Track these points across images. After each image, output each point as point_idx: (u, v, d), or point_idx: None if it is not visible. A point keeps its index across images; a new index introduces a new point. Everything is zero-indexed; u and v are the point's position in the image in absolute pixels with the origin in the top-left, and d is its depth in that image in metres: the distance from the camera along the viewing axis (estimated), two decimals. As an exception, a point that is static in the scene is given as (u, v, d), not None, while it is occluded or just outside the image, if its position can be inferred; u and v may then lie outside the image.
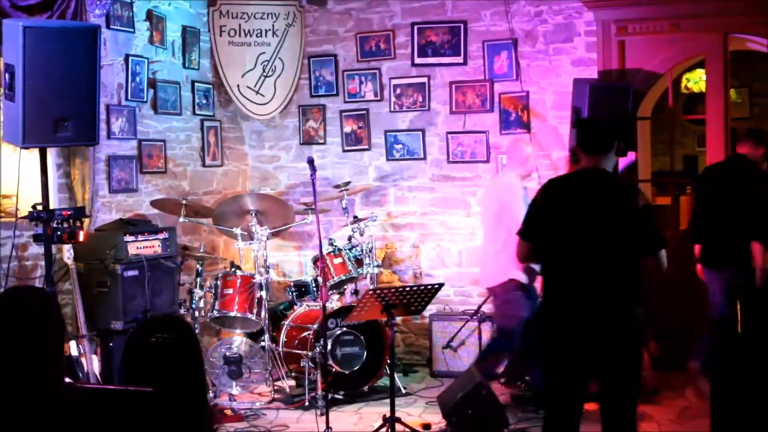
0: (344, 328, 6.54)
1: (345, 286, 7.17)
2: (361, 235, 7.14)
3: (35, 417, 2.62)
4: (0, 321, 2.72)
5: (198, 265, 6.73)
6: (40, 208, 5.08)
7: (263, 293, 6.73)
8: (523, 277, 6.01)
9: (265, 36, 8.09)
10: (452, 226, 7.91)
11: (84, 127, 5.04)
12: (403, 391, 6.80)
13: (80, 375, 5.54)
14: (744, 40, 7.43)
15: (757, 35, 7.13)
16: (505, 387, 6.53)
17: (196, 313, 6.59)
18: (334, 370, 6.43)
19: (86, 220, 5.90)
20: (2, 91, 5.04)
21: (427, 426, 5.86)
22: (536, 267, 5.69)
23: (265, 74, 8.11)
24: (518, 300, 6.04)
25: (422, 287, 5.33)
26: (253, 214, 6.98)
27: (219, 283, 6.73)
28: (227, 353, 6.62)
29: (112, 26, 6.71)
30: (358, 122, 8.14)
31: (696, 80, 10.83)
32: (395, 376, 5.83)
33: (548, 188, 4.41)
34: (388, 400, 5.35)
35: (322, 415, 5.84)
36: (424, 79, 7.90)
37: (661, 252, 4.22)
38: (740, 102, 11.12)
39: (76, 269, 5.76)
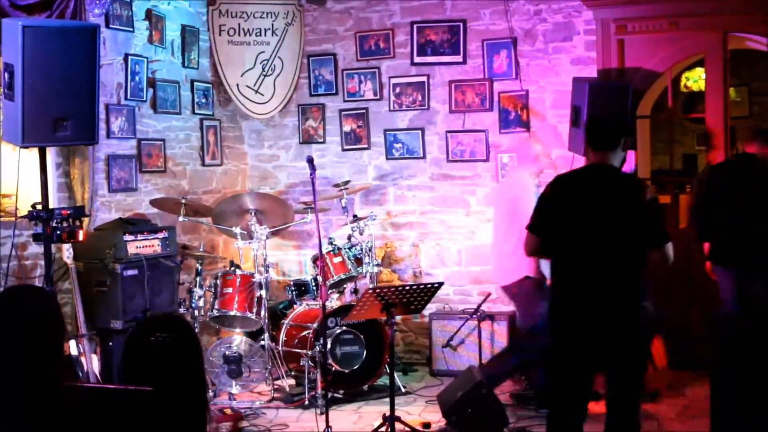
0: (344, 327, 6.54)
1: (344, 285, 7.17)
2: (361, 234, 7.15)
3: (35, 416, 2.62)
4: (0, 320, 2.72)
5: (197, 265, 6.73)
6: (39, 207, 5.09)
7: (263, 292, 6.73)
8: (538, 274, 6.02)
9: (265, 35, 8.09)
10: (452, 225, 7.91)
11: (83, 126, 5.05)
12: (403, 390, 6.81)
13: (80, 374, 5.53)
14: (743, 39, 7.43)
15: (757, 34, 7.13)
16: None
17: (196, 312, 6.59)
18: (333, 369, 6.43)
19: (86, 220, 5.90)
20: (2, 90, 5.03)
21: (426, 425, 5.86)
22: (544, 265, 5.74)
23: (264, 73, 8.10)
24: (535, 297, 6.04)
25: (422, 286, 5.33)
26: (253, 213, 6.98)
27: (218, 282, 6.73)
28: (227, 352, 6.63)
29: (111, 26, 6.70)
30: (357, 121, 8.14)
31: (695, 79, 10.83)
32: (395, 375, 5.83)
33: (557, 183, 4.47)
34: (387, 399, 5.35)
35: (321, 414, 5.84)
36: (424, 78, 7.90)
37: (668, 245, 4.27)
38: (740, 101, 11.12)
39: (76, 268, 5.75)
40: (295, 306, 7.07)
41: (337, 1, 8.13)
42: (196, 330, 6.35)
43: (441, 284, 5.43)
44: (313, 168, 5.73)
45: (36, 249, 5.85)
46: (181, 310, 6.48)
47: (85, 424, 2.65)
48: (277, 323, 7.02)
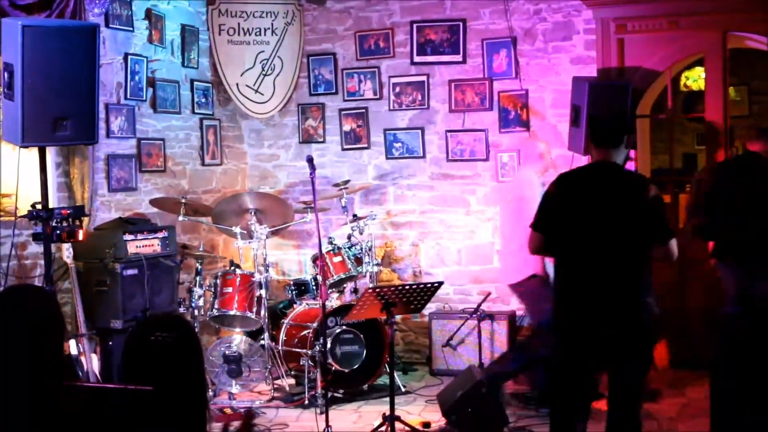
0: (344, 327, 6.53)
1: (344, 285, 7.17)
2: (361, 233, 7.14)
3: (35, 416, 2.62)
4: (0, 320, 2.72)
5: (197, 264, 6.73)
6: (39, 207, 5.09)
7: (263, 292, 6.73)
8: (544, 272, 6.02)
9: (264, 35, 8.08)
10: (451, 224, 7.91)
11: (83, 126, 5.05)
12: (403, 389, 6.81)
13: (80, 374, 5.53)
14: (743, 38, 7.43)
15: (757, 33, 7.12)
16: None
17: (196, 312, 6.59)
18: (333, 368, 6.43)
19: (85, 219, 5.90)
20: (1, 90, 5.03)
21: (426, 424, 5.86)
22: (549, 264, 5.74)
23: (264, 73, 8.10)
24: (542, 295, 6.03)
25: (422, 285, 5.33)
26: (253, 213, 6.98)
27: (218, 281, 6.73)
28: (227, 352, 6.62)
29: (111, 25, 6.70)
30: (357, 121, 8.13)
31: (695, 78, 10.82)
32: (395, 374, 5.83)
33: (560, 181, 4.49)
34: (387, 399, 5.35)
35: (321, 413, 5.83)
36: (424, 78, 7.90)
37: (672, 241, 4.27)
38: (739, 100, 11.12)
39: (76, 268, 5.75)
40: (294, 305, 7.07)
41: (337, 1, 8.13)
42: (196, 329, 6.34)
43: (441, 284, 5.44)
44: (312, 167, 5.74)
45: (36, 248, 5.85)
46: (181, 310, 6.48)
47: (85, 424, 2.65)
48: (277, 323, 7.02)
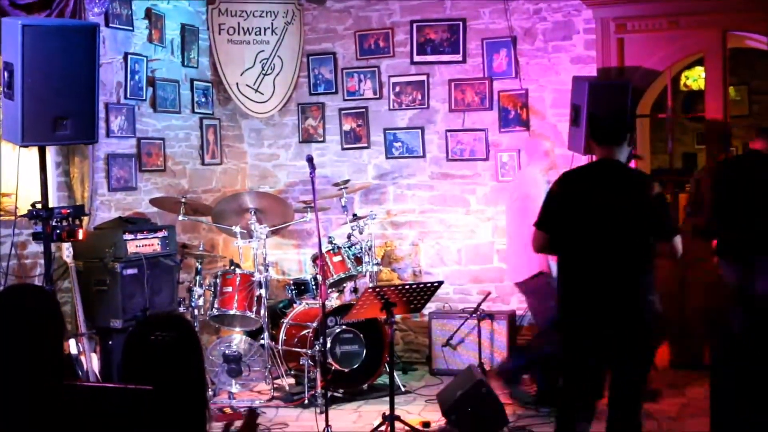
0: (343, 326, 6.53)
1: (344, 284, 7.17)
2: (361, 233, 7.14)
3: (35, 415, 2.62)
4: (0, 319, 2.72)
5: (197, 264, 6.73)
6: (39, 206, 5.09)
7: (262, 291, 6.73)
8: (549, 270, 6.01)
9: (264, 34, 8.08)
10: (451, 224, 7.91)
11: (83, 125, 5.05)
12: (403, 389, 6.81)
13: (79, 373, 5.53)
14: (743, 38, 7.43)
15: (756, 32, 7.13)
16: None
17: (196, 312, 6.59)
18: (333, 368, 6.43)
19: (85, 219, 5.90)
20: (1, 89, 5.03)
21: (426, 424, 5.86)
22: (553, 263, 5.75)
23: (264, 72, 8.10)
24: (549, 293, 6.02)
25: (421, 285, 5.33)
26: (253, 213, 6.98)
27: (218, 281, 6.73)
28: (226, 351, 6.62)
29: (110, 24, 6.70)
30: (357, 120, 8.13)
31: (695, 78, 10.83)
32: (394, 374, 5.82)
33: (563, 180, 4.50)
34: (387, 398, 5.34)
35: (321, 413, 5.83)
36: (423, 77, 7.90)
37: (676, 238, 4.28)
38: (739, 99, 11.12)
39: (76, 267, 5.75)
40: (294, 305, 7.07)
41: (337, 0, 8.13)
42: (196, 329, 6.34)
43: (441, 283, 5.44)
44: (312, 167, 5.74)
45: (36, 248, 5.84)
46: (181, 309, 6.48)
47: (84, 424, 2.65)
48: (277, 322, 7.02)
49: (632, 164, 6.94)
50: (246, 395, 6.73)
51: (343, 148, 8.19)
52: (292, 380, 6.96)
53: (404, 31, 7.94)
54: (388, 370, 5.61)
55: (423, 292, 5.30)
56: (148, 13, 7.16)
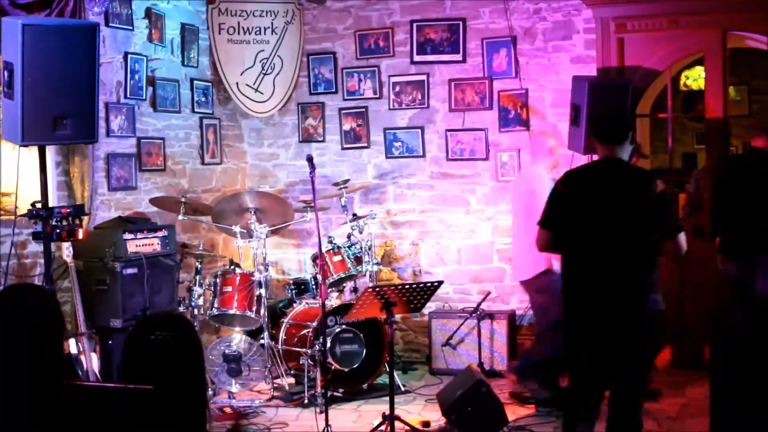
0: (343, 326, 6.53)
1: (344, 284, 7.17)
2: (361, 232, 7.14)
3: (35, 414, 2.62)
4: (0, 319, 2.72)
5: (197, 263, 6.73)
6: (39, 205, 5.09)
7: (262, 291, 6.73)
8: (557, 267, 6.00)
9: (264, 34, 8.08)
10: (451, 223, 7.91)
11: (83, 124, 5.05)
12: (403, 388, 6.80)
13: (79, 373, 5.53)
14: (743, 38, 7.43)
15: (756, 32, 7.13)
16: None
17: (195, 311, 6.59)
18: (333, 367, 6.43)
19: (85, 218, 5.90)
20: (1, 89, 5.03)
21: (426, 423, 5.86)
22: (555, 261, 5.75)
23: (264, 72, 8.10)
24: (556, 291, 6.02)
25: (421, 285, 5.33)
26: (253, 212, 6.98)
27: (218, 280, 6.73)
28: (226, 351, 6.62)
29: (110, 24, 6.70)
30: (357, 120, 8.13)
31: (695, 77, 10.83)
32: (394, 373, 5.82)
33: (567, 178, 4.53)
34: (387, 398, 5.35)
35: (321, 412, 5.83)
36: (423, 77, 7.90)
37: (680, 235, 4.29)
38: (739, 99, 11.12)
39: (76, 267, 5.75)
40: (294, 305, 7.07)
41: (337, 0, 8.12)
42: (196, 329, 6.34)
43: (440, 283, 5.44)
44: (312, 166, 5.74)
45: (36, 247, 5.84)
46: (181, 309, 6.48)
47: (84, 423, 2.65)
48: (277, 322, 7.02)
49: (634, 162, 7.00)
50: (246, 395, 6.73)
51: (343, 148, 8.19)
52: (291, 380, 6.96)
53: (404, 30, 7.94)
54: (388, 369, 5.61)
55: (423, 291, 5.30)
56: (148, 13, 7.16)
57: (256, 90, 8.09)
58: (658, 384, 6.38)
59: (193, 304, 6.58)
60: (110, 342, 6.01)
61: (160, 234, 6.44)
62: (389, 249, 8.04)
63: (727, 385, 4.84)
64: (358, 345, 6.58)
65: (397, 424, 5.30)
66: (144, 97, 7.11)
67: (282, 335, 6.81)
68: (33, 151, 5.32)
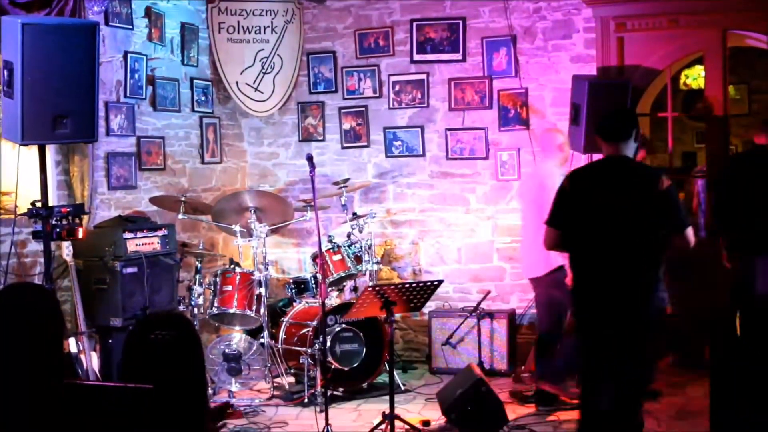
0: (343, 325, 6.53)
1: (344, 283, 7.17)
2: (360, 231, 7.14)
3: (35, 413, 2.62)
4: (0, 318, 2.72)
5: (197, 262, 6.73)
6: (39, 205, 5.09)
7: (262, 290, 6.73)
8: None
9: (264, 33, 8.08)
10: (451, 222, 7.91)
11: (83, 124, 5.05)
12: (402, 387, 6.80)
13: (79, 372, 5.53)
14: (743, 37, 7.43)
15: (756, 32, 7.13)
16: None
17: (195, 310, 6.60)
18: (333, 366, 6.43)
19: (85, 217, 5.90)
20: (1, 88, 5.03)
21: (426, 422, 5.87)
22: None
23: (263, 71, 8.10)
24: (565, 289, 6.00)
25: (421, 284, 5.33)
26: (252, 211, 6.98)
27: (218, 280, 6.73)
28: (226, 350, 6.63)
29: (110, 23, 6.70)
30: (357, 119, 8.13)
31: (695, 77, 10.83)
32: (394, 372, 5.82)
33: (573, 176, 4.54)
34: (387, 397, 5.35)
35: (321, 411, 5.83)
36: (423, 76, 7.90)
37: (688, 230, 4.31)
38: (739, 98, 11.12)
39: (75, 266, 5.75)
40: (294, 304, 7.07)
41: (337, -1, 8.14)
42: (196, 328, 6.34)
43: (440, 282, 5.44)
44: (312, 166, 5.73)
45: (36, 246, 5.84)
46: (181, 308, 6.48)
47: (84, 422, 2.65)
48: (277, 321, 7.02)
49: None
50: (246, 394, 6.73)
51: (343, 147, 8.19)
52: (291, 379, 6.96)
53: (404, 29, 7.93)
54: (387, 368, 5.61)
55: (423, 290, 5.30)
56: (148, 12, 7.16)
57: (256, 89, 8.09)
58: (658, 384, 6.38)
59: (193, 303, 6.58)
60: (110, 341, 6.01)
61: (159, 233, 6.44)
62: (389, 248, 8.04)
63: (727, 385, 4.84)
64: (358, 344, 6.58)
65: (397, 423, 5.31)
66: (144, 96, 7.11)
67: (282, 334, 6.81)
68: (33, 150, 5.32)
